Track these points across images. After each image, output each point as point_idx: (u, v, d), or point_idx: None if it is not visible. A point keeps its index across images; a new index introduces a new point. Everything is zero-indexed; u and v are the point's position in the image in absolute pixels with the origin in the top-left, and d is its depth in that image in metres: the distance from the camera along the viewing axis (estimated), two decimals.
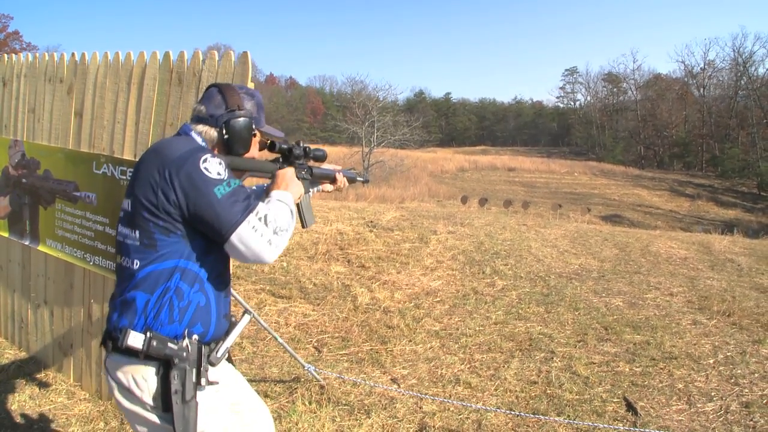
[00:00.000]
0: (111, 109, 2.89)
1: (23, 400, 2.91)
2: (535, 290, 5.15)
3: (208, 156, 1.43)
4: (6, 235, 3.48)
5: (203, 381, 1.44)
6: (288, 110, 68.10)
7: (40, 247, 3.22)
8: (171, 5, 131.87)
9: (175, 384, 1.39)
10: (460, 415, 2.94)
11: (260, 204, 1.46)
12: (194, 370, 1.42)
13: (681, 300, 5.10)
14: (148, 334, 1.38)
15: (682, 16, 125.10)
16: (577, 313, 4.57)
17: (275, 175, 1.69)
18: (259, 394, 1.84)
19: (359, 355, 3.72)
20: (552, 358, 3.70)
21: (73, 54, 3.11)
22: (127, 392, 1.43)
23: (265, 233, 1.41)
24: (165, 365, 1.40)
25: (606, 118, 64.03)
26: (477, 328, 4.20)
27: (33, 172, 3.24)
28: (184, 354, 1.41)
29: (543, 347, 3.87)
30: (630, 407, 3.08)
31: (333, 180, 2.02)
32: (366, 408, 2.97)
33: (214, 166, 1.41)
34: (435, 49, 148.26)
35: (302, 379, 3.26)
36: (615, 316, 4.54)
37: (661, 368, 3.59)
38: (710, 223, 25.12)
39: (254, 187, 1.87)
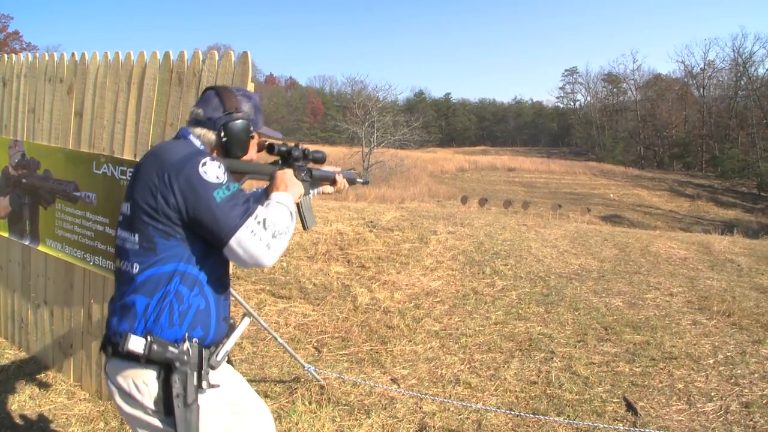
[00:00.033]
0: (111, 109, 2.90)
1: (23, 400, 2.92)
2: (535, 290, 5.15)
3: (207, 160, 1.43)
4: (6, 235, 3.48)
5: (204, 384, 1.43)
6: (288, 110, 68.14)
7: (40, 247, 3.22)
8: (171, 5, 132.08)
9: (176, 388, 1.39)
10: (460, 415, 2.94)
11: (259, 207, 1.46)
12: (195, 374, 1.42)
13: (681, 300, 5.10)
14: (148, 338, 1.37)
15: (681, 16, 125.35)
16: (577, 314, 4.57)
17: (274, 177, 1.69)
18: (259, 394, 1.84)
19: (359, 355, 3.72)
20: (552, 358, 3.70)
21: (73, 54, 3.11)
22: (127, 397, 1.43)
23: (264, 237, 1.41)
24: (166, 369, 1.40)
25: (606, 119, 64.03)
26: (477, 329, 4.20)
27: (33, 172, 3.24)
28: (185, 357, 1.41)
29: (543, 347, 3.87)
30: (630, 407, 3.08)
31: (333, 182, 2.02)
32: (366, 408, 2.97)
33: (213, 170, 1.41)
34: (435, 49, 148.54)
35: (302, 379, 3.26)
36: (615, 317, 4.54)
37: (661, 368, 3.59)
38: (710, 224, 25.12)
39: (256, 189, 1.87)
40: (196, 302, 1.45)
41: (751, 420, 3.00)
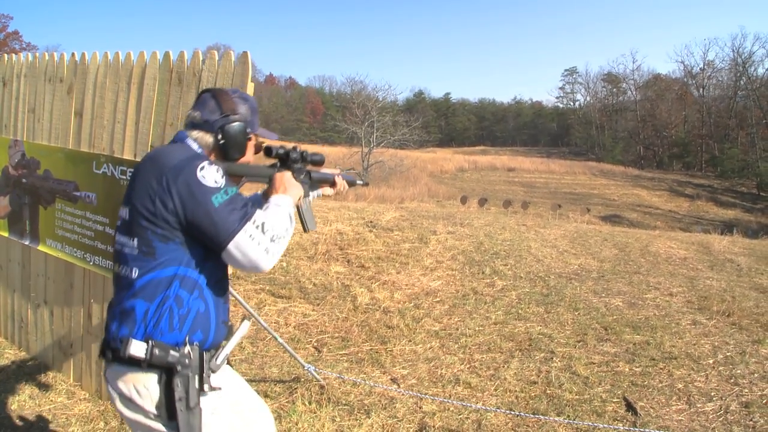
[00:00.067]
0: (111, 108, 2.90)
1: (23, 400, 2.91)
2: (535, 290, 5.15)
3: (205, 164, 1.43)
4: (6, 234, 3.47)
5: (206, 387, 1.43)
6: (287, 110, 68.14)
7: (40, 247, 3.22)
8: (171, 5, 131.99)
9: (178, 391, 1.39)
10: (459, 415, 2.94)
11: (258, 211, 1.45)
12: (197, 377, 1.42)
13: (681, 300, 5.10)
14: (149, 342, 1.37)
15: (681, 16, 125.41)
16: (576, 314, 4.57)
17: (273, 179, 1.68)
18: (259, 394, 1.84)
19: (359, 355, 3.72)
20: (552, 358, 3.70)
21: (73, 54, 3.11)
22: (129, 402, 1.43)
23: (262, 241, 1.41)
24: (167, 373, 1.40)
25: (605, 119, 64.06)
26: (477, 328, 4.20)
27: (33, 171, 3.24)
28: (187, 361, 1.40)
29: (543, 347, 3.87)
30: (630, 407, 3.08)
31: (332, 183, 2.02)
32: (366, 408, 2.97)
33: (211, 174, 1.41)
34: (435, 49, 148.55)
35: (302, 379, 3.26)
36: (615, 316, 4.54)
37: (661, 368, 3.59)
38: (710, 223, 25.14)
39: (259, 192, 1.87)
40: (196, 306, 1.45)
41: (751, 420, 3.00)
